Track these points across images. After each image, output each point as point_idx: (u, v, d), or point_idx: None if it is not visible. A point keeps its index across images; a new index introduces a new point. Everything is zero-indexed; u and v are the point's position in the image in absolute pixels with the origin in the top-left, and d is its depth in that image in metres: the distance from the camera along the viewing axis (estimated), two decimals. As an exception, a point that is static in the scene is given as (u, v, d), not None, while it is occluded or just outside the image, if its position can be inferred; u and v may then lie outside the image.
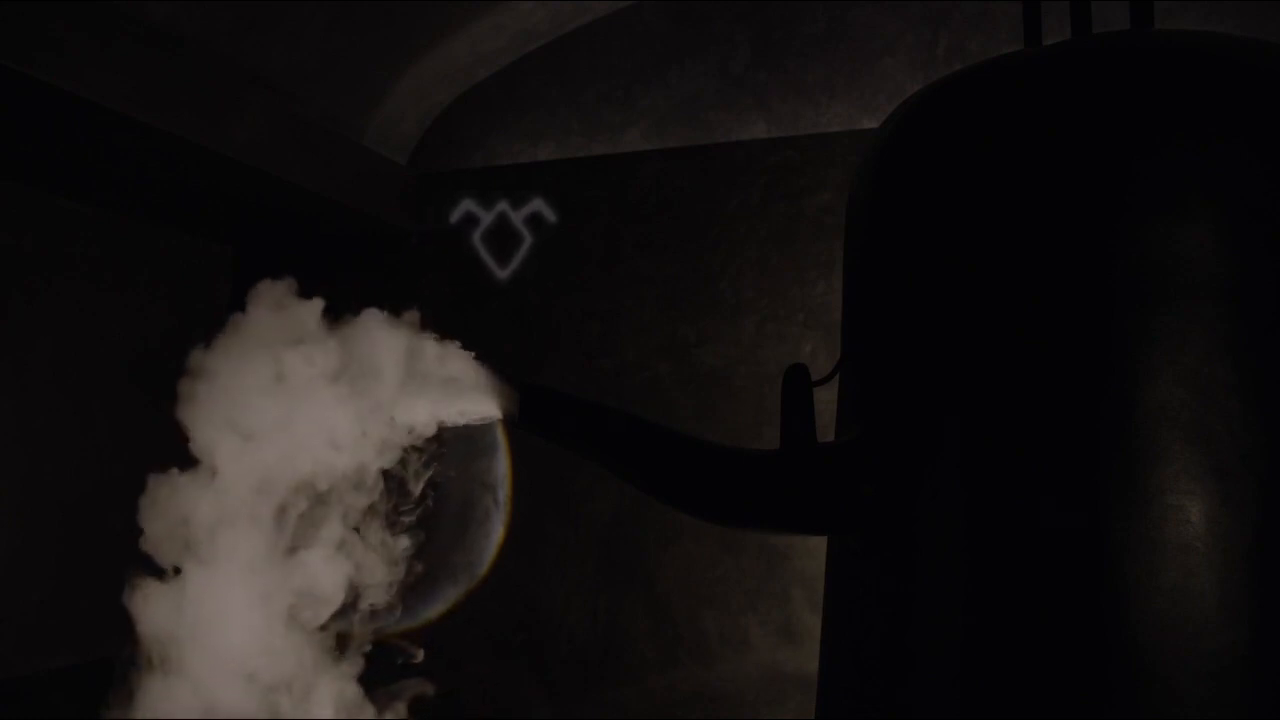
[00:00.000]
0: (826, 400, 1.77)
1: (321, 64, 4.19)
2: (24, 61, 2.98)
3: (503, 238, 4.68)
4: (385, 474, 1.73)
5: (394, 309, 1.85)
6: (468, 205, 4.70)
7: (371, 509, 1.72)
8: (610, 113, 4.63)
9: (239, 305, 1.75)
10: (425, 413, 1.73)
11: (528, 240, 4.63)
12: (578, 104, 4.68)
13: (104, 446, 4.36)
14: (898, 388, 1.61)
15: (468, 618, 4.39)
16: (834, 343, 3.98)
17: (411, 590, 1.81)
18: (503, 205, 4.66)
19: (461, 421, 1.75)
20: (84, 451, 4.27)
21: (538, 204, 4.62)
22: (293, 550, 1.66)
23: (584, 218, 4.62)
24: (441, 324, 5.01)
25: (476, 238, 4.67)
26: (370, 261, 4.88)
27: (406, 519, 1.76)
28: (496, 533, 4.50)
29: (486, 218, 4.66)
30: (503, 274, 4.62)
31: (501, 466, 4.46)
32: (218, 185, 4.18)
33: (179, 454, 1.76)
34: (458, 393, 1.73)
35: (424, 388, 1.72)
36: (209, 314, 4.98)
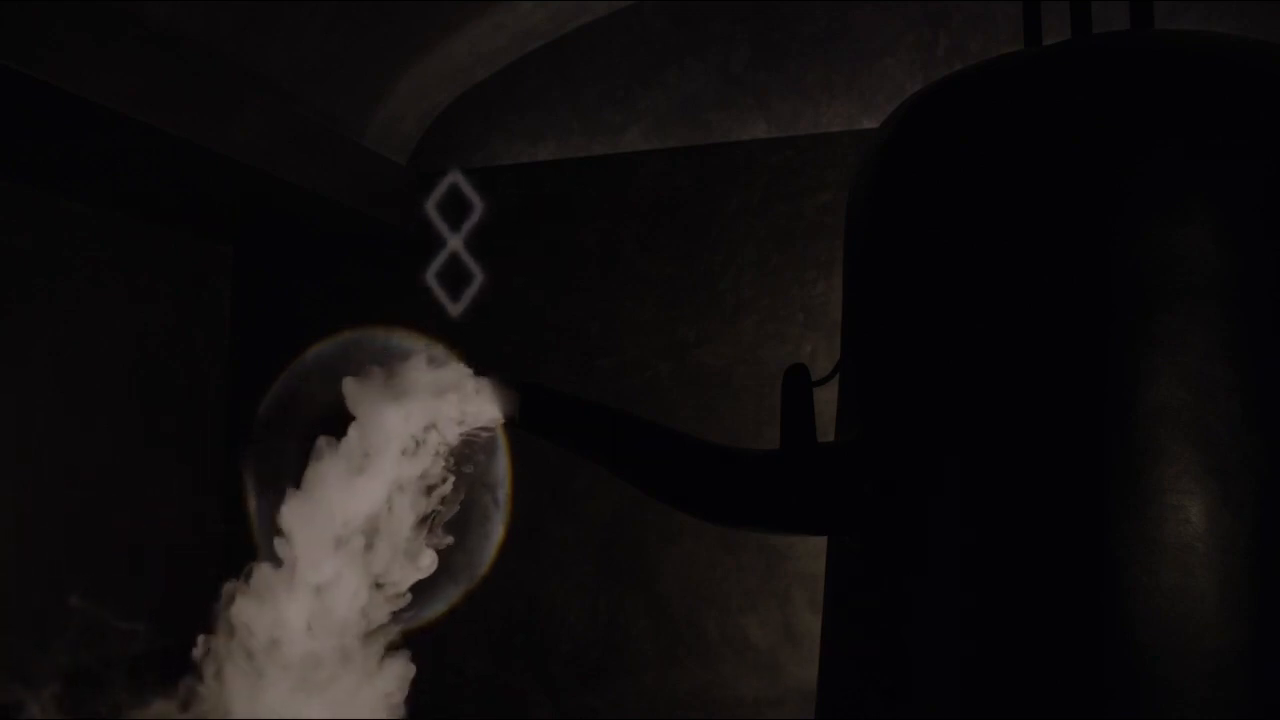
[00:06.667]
0: (826, 400, 1.77)
1: (321, 64, 4.19)
2: (24, 61, 2.98)
3: (455, 275, 4.72)
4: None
5: (392, 309, 1.90)
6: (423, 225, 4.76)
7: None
8: (610, 113, 4.63)
9: (239, 305, 1.82)
10: (428, 418, 1.75)
11: (479, 278, 4.68)
12: (578, 104, 4.68)
13: (104, 446, 4.36)
14: (898, 388, 1.61)
15: (468, 618, 4.39)
16: (834, 343, 3.98)
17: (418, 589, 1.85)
18: (454, 243, 4.70)
19: (465, 426, 1.76)
20: (84, 451, 4.27)
21: (488, 239, 4.71)
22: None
23: (584, 218, 4.62)
24: (440, 324, 5.00)
25: (430, 275, 4.72)
26: (370, 261, 4.88)
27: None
28: (496, 532, 4.50)
29: (440, 256, 4.71)
30: (455, 311, 4.66)
31: (501, 466, 4.46)
32: (218, 185, 4.18)
33: (178, 453, 1.82)
34: (458, 397, 1.74)
35: (424, 394, 1.74)
36: (209, 314, 4.98)
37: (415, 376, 1.76)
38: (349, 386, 1.80)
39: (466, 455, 1.83)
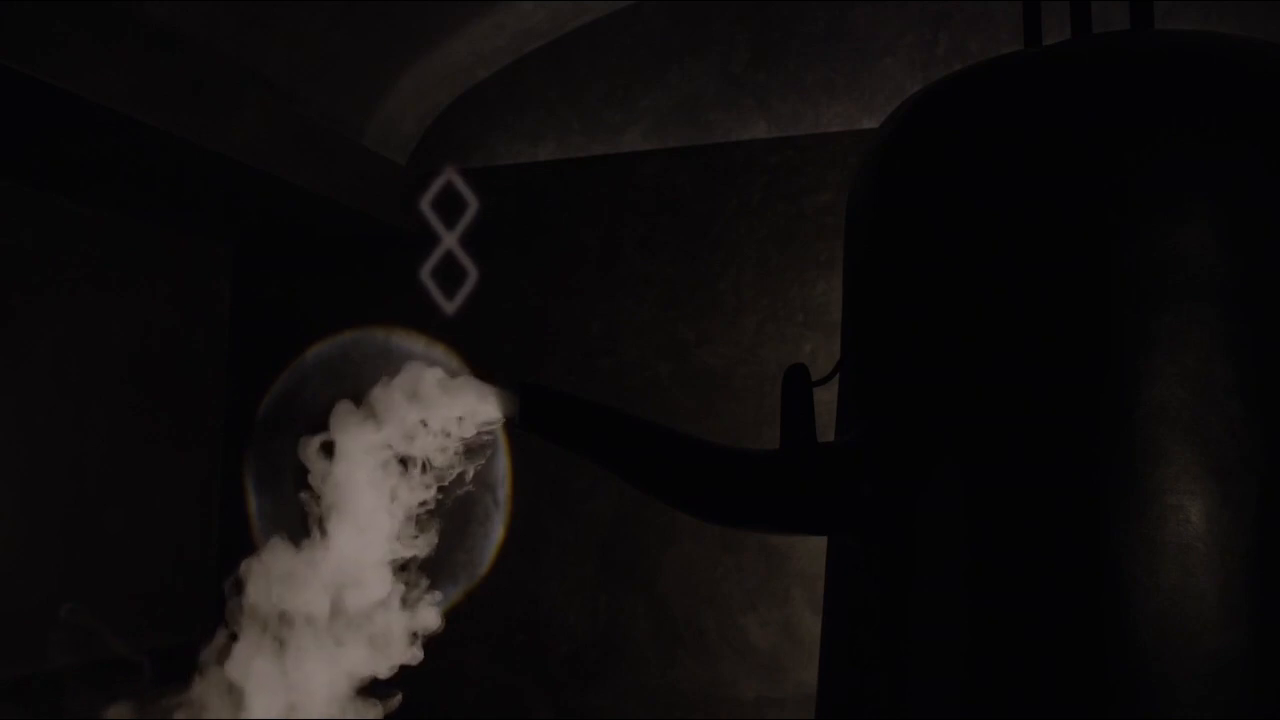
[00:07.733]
0: (826, 400, 1.77)
1: (321, 64, 4.19)
2: (24, 61, 2.98)
3: (449, 273, 4.73)
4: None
5: (392, 310, 1.87)
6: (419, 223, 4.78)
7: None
8: (610, 113, 4.63)
9: (239, 305, 1.78)
10: (426, 419, 1.72)
11: (473, 276, 4.69)
12: (578, 104, 4.68)
13: (104, 446, 4.36)
14: (898, 388, 1.61)
15: (468, 618, 4.39)
16: (834, 343, 3.99)
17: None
18: (449, 241, 4.70)
19: (465, 428, 1.74)
20: (84, 451, 4.27)
21: (484, 237, 4.73)
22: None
23: (584, 218, 4.62)
24: (441, 325, 5.00)
25: (424, 273, 4.74)
26: (369, 261, 4.89)
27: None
28: (496, 532, 4.50)
29: (435, 254, 4.73)
30: (449, 309, 4.67)
31: (501, 466, 4.46)
32: (218, 185, 4.18)
33: (178, 453, 1.79)
34: (457, 398, 1.73)
35: (423, 396, 1.72)
36: (209, 314, 4.98)
37: (416, 378, 1.72)
38: (306, 452, 1.68)
39: (443, 502, 1.76)
